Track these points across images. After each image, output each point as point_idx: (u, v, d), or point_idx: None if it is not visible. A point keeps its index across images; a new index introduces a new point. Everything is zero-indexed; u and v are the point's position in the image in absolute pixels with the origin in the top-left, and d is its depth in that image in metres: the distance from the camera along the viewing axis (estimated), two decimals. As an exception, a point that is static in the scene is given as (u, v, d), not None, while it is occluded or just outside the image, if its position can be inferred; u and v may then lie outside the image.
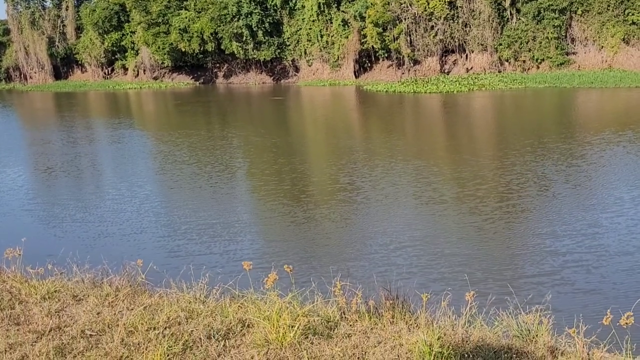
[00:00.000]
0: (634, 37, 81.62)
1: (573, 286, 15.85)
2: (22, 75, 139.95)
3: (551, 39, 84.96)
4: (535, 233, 20.26)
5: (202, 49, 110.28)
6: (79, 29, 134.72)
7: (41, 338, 7.49)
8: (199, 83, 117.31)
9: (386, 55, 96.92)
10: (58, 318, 8.09)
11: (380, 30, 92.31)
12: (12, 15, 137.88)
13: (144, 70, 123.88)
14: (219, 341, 7.26)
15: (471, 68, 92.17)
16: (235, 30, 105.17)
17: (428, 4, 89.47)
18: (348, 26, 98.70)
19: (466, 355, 6.87)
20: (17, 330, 7.74)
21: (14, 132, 61.36)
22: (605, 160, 30.92)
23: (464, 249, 18.98)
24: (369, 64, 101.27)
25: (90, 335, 7.54)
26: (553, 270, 16.91)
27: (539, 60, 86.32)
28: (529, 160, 31.67)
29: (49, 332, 7.64)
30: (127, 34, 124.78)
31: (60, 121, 66.36)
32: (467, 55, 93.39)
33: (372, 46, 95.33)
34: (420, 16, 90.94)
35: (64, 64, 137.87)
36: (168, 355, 6.92)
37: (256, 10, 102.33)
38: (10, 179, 33.84)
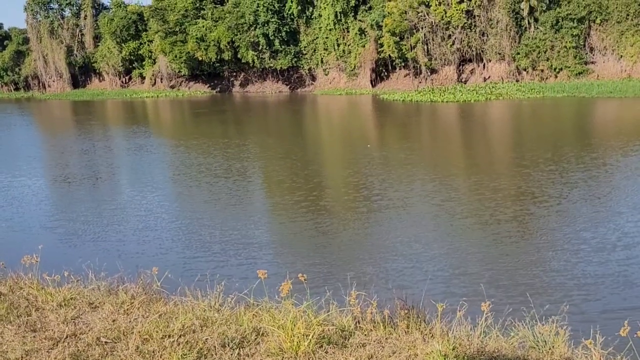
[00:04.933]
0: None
1: (591, 297, 15.70)
2: (41, 84, 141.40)
3: (569, 48, 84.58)
4: (555, 245, 20.11)
5: (218, 57, 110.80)
6: (97, 38, 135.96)
7: (57, 345, 7.52)
8: (216, 92, 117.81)
9: (403, 64, 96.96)
10: (74, 325, 8.13)
11: (397, 39, 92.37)
12: (31, 24, 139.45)
13: (161, 79, 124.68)
14: (233, 349, 7.25)
15: (488, 77, 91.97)
16: (252, 39, 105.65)
17: (445, 13, 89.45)
18: (365, 35, 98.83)
19: (481, 366, 6.83)
20: (34, 337, 7.78)
21: (34, 141, 61.80)
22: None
23: (484, 260, 18.87)
24: (386, 73, 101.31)
25: (106, 342, 7.56)
26: (571, 280, 16.75)
27: (557, 70, 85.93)
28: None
29: (65, 339, 7.67)
30: (145, 42, 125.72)
31: (79, 130, 66.79)
32: (484, 65, 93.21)
33: (389, 55, 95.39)
34: (437, 25, 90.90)
35: (82, 72, 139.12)
36: (182, 363, 6.92)
37: (273, 19, 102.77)
38: (29, 189, 34.02)
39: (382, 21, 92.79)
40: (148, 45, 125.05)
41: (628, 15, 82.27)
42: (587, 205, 24.49)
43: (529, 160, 33.98)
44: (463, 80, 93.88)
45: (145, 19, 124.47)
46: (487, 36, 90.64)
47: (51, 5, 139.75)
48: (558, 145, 39.44)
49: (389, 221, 23.80)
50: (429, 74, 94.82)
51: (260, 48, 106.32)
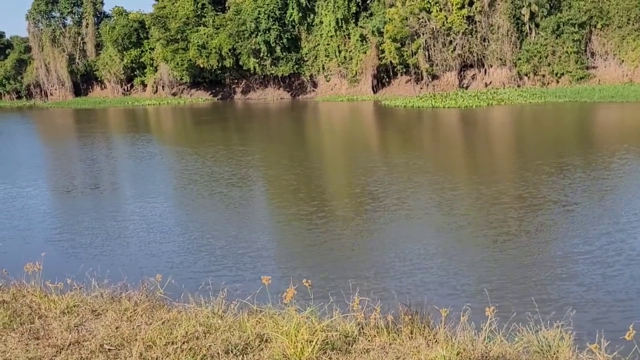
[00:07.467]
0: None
1: (596, 301, 15.61)
2: (43, 92, 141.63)
3: (571, 53, 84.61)
4: (560, 250, 20.01)
5: (220, 65, 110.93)
6: (98, 46, 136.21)
7: (60, 352, 7.49)
8: (217, 99, 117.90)
9: (404, 70, 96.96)
10: (77, 332, 8.09)
11: (399, 45, 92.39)
12: (33, 32, 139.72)
13: (163, 87, 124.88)
14: (236, 356, 7.22)
15: (490, 83, 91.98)
16: (254, 46, 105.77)
17: (446, 18, 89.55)
18: (366, 41, 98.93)
19: (486, 371, 6.80)
20: (37, 344, 7.75)
21: (39, 150, 61.69)
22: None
23: (487, 265, 18.77)
24: (387, 79, 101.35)
25: (109, 349, 7.53)
26: (576, 285, 16.65)
27: (558, 75, 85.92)
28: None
29: (68, 346, 7.64)
30: (146, 50, 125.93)
31: (84, 138, 66.77)
32: (485, 70, 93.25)
33: (390, 61, 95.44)
34: (438, 31, 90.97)
35: (83, 80, 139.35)
36: (186, 370, 6.89)
37: (274, 26, 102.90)
38: (32, 197, 33.99)
39: (383, 27, 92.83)
40: (150, 53, 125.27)
41: (629, 19, 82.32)
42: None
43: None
44: (464, 86, 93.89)
45: (147, 26, 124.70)
46: (488, 42, 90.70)
47: (53, 13, 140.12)
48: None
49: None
50: (430, 79, 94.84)
51: (261, 55, 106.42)
